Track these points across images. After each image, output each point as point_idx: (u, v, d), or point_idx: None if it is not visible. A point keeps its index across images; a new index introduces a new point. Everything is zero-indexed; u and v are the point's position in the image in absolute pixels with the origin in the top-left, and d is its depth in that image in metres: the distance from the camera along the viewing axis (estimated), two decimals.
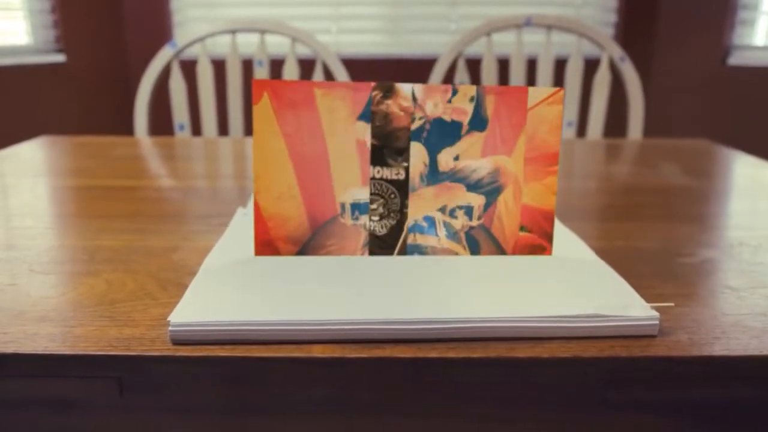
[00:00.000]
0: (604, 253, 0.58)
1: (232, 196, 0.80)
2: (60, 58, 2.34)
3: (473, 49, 1.46)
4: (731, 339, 0.44)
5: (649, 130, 1.43)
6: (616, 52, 1.40)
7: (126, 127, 2.34)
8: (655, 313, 0.44)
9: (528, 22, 1.42)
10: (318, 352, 0.42)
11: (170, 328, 0.42)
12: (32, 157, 1.04)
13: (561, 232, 0.62)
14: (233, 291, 0.48)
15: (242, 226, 0.64)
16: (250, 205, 0.74)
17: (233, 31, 1.43)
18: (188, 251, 0.60)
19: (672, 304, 0.48)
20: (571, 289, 0.48)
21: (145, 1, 2.63)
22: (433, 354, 0.41)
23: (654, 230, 0.68)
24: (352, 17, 2.70)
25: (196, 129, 1.47)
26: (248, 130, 1.52)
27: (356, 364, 0.41)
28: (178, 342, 0.42)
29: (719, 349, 0.42)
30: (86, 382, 0.42)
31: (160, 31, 2.63)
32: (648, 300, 0.47)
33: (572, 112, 1.44)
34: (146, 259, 0.58)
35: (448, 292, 0.48)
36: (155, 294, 0.50)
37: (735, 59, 2.50)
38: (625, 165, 1.03)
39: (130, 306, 0.48)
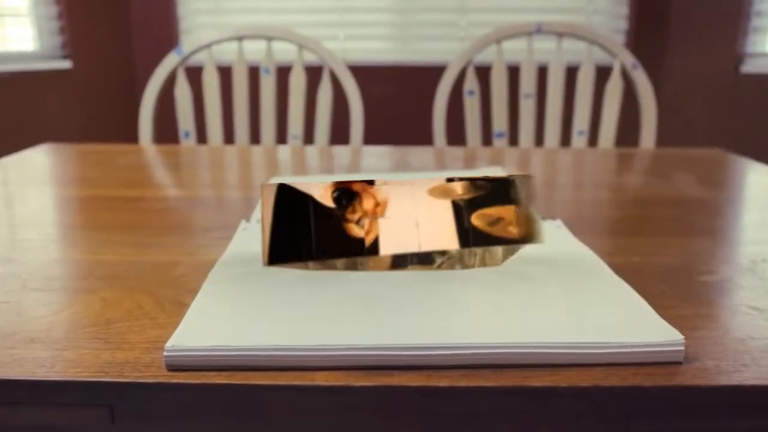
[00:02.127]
0: (619, 270, 0.55)
1: (237, 207, 0.78)
2: (66, 64, 2.33)
3: (483, 57, 1.44)
4: (761, 366, 0.41)
5: (661, 138, 1.40)
6: (628, 59, 1.37)
7: (132, 134, 2.33)
8: (681, 338, 0.41)
9: (538, 30, 1.40)
10: (322, 379, 0.39)
11: (165, 354, 0.40)
12: (35, 165, 1.02)
13: (576, 247, 0.60)
14: (232, 314, 0.45)
15: (244, 241, 0.62)
16: (252, 217, 0.71)
17: (239, 38, 1.41)
18: (190, 266, 0.58)
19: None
20: (590, 311, 0.46)
21: (152, 7, 2.62)
22: (444, 382, 0.39)
23: (671, 245, 0.65)
24: (359, 24, 2.69)
25: (202, 137, 1.46)
26: (254, 138, 1.51)
27: (362, 392, 0.39)
28: (173, 368, 0.40)
29: (749, 378, 0.40)
30: (76, 410, 0.40)
31: (167, 37, 2.62)
32: (670, 322, 0.44)
33: (583, 121, 1.42)
34: (145, 275, 0.56)
35: (459, 314, 0.45)
36: (152, 313, 0.48)
37: (748, 67, 2.47)
38: (638, 175, 1.00)
39: (125, 327, 0.46)
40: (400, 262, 0.53)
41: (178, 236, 0.67)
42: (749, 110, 2.48)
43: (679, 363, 0.41)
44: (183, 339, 0.41)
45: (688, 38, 2.55)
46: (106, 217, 0.74)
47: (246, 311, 0.45)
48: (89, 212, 0.76)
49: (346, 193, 0.49)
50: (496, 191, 0.50)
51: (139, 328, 0.46)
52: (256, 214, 0.73)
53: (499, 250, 0.54)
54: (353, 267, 0.54)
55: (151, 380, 0.39)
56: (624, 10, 2.61)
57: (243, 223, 0.67)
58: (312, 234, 0.48)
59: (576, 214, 0.64)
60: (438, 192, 0.50)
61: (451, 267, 0.54)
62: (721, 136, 2.50)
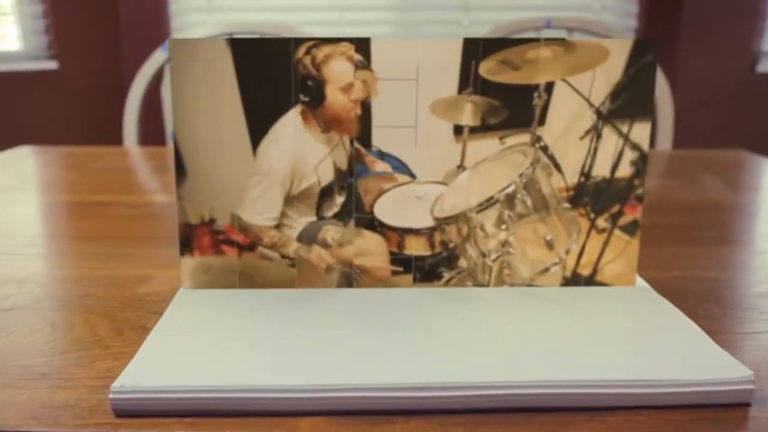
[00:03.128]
0: (659, 287, 0.48)
1: None
2: (52, 64, 2.26)
3: None
4: None
5: (675, 139, 1.33)
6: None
7: (121, 137, 2.25)
8: (749, 374, 0.34)
9: (548, 25, 1.32)
10: (307, 428, 0.31)
11: (112, 396, 0.32)
12: (8, 169, 0.95)
13: None
14: (198, 345, 0.37)
15: None
16: None
17: (229, 35, 1.34)
18: (159, 282, 0.50)
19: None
20: (636, 342, 0.38)
21: (142, 6, 2.55)
22: (459, 431, 0.31)
23: (711, 256, 0.58)
24: (359, 23, 2.62)
25: None
26: None
27: None
28: (122, 413, 0.32)
29: None
30: None
31: (157, 37, 2.55)
32: (726, 351, 0.37)
33: None
34: (106, 293, 0.48)
35: (476, 346, 0.37)
36: (107, 340, 0.40)
37: (764, 66, 2.40)
38: (661, 178, 0.93)
39: (72, 357, 0.38)
40: (400, 275, 0.46)
41: (150, 247, 0.60)
42: (766, 109, 2.41)
43: (747, 405, 0.34)
44: (136, 377, 0.33)
45: (701, 37, 2.48)
46: (74, 225, 0.66)
47: (215, 341, 0.38)
48: (56, 220, 0.69)
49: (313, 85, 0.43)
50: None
51: (89, 359, 0.38)
52: None
53: (520, 266, 0.46)
54: (346, 284, 0.46)
55: (92, 430, 0.31)
56: (634, 8, 2.54)
57: None
58: None
59: None
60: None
61: (462, 284, 0.46)
62: (736, 136, 2.42)
